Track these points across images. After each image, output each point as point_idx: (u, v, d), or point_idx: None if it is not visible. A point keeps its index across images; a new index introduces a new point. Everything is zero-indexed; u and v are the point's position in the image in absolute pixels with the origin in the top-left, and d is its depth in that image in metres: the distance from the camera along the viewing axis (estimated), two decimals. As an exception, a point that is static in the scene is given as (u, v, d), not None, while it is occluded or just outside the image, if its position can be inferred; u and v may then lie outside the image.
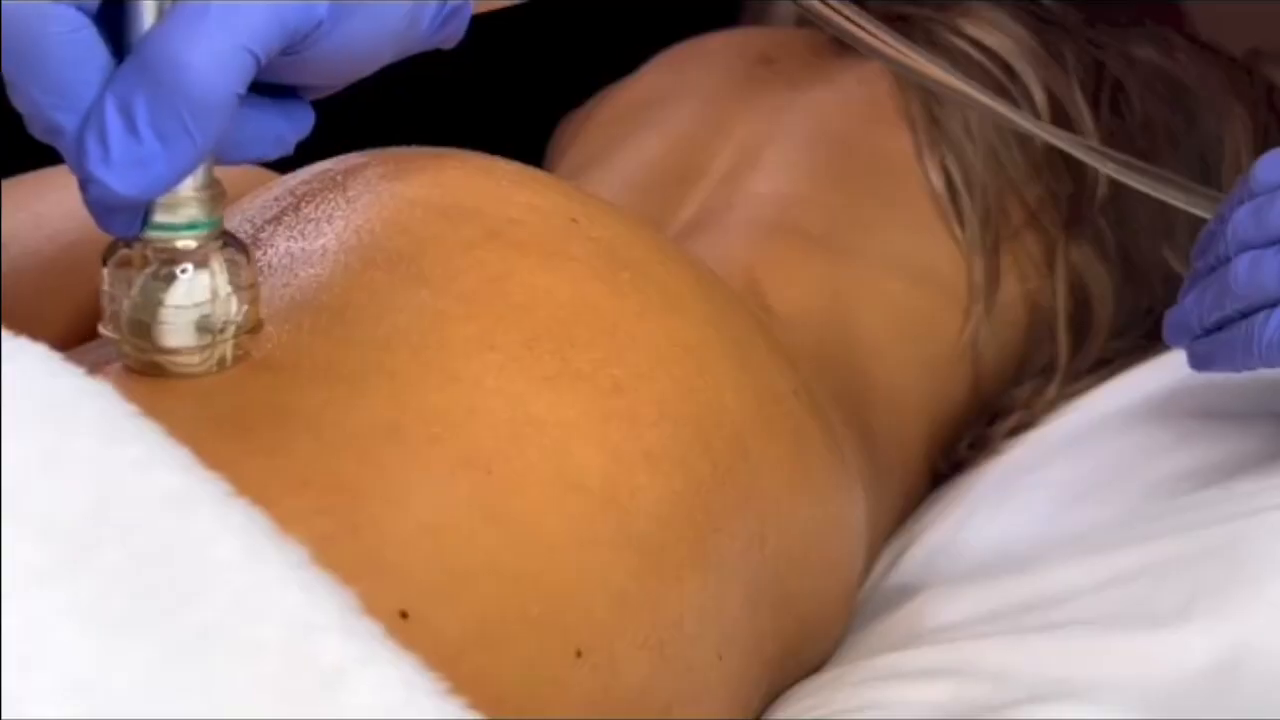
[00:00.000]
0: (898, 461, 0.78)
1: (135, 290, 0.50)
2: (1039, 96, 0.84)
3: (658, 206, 0.82)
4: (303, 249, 0.58)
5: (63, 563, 0.40)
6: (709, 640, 0.57)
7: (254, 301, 0.51)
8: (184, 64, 0.46)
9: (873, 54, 0.65)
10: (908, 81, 0.85)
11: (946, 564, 0.74)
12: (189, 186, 0.49)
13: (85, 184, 0.47)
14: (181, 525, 0.43)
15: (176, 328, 0.50)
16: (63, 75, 0.46)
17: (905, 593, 0.72)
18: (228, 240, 0.51)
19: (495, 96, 1.04)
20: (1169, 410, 0.76)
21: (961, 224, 0.82)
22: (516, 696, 0.50)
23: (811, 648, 0.67)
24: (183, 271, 0.50)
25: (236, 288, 0.51)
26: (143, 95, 0.46)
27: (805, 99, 0.87)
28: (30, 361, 0.46)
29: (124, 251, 0.50)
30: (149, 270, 0.50)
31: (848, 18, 0.64)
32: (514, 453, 0.53)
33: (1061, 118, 0.84)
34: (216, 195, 0.50)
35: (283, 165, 0.63)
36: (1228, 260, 0.63)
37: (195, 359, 0.50)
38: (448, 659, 0.46)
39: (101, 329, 0.51)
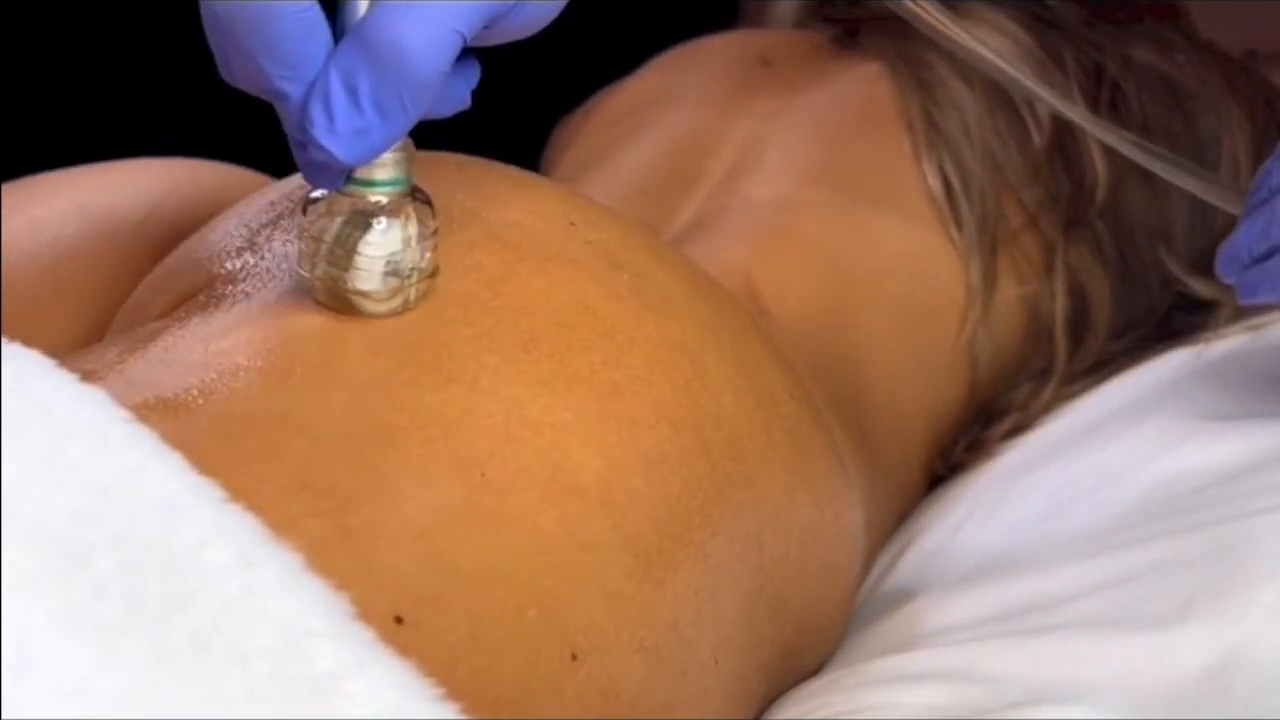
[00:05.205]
0: (895, 464, 0.78)
1: (331, 236, 0.53)
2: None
3: (656, 209, 0.82)
4: (300, 252, 0.58)
5: (56, 568, 0.40)
6: (705, 643, 0.57)
7: (435, 249, 0.55)
8: (404, 46, 0.49)
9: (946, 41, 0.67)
10: (906, 83, 0.85)
11: (944, 566, 0.74)
12: (388, 149, 0.52)
13: (305, 146, 0.51)
14: (174, 531, 0.43)
15: (370, 273, 0.53)
16: (293, 49, 0.50)
17: (903, 595, 0.72)
18: (416, 194, 0.54)
19: (494, 96, 1.03)
20: (1166, 412, 0.76)
21: (959, 226, 0.82)
22: (512, 700, 0.49)
23: (809, 651, 0.67)
24: (378, 223, 0.53)
25: (422, 237, 0.54)
26: (366, 73, 0.49)
27: (803, 101, 0.87)
28: (25, 367, 0.46)
29: (325, 200, 0.53)
30: (343, 219, 0.53)
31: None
32: (509, 455, 0.53)
33: (1060, 120, 0.84)
34: (410, 155, 0.53)
35: (280, 169, 0.63)
36: (1278, 192, 0.64)
37: (383, 301, 0.54)
38: (443, 663, 0.46)
39: (298, 269, 0.55)
